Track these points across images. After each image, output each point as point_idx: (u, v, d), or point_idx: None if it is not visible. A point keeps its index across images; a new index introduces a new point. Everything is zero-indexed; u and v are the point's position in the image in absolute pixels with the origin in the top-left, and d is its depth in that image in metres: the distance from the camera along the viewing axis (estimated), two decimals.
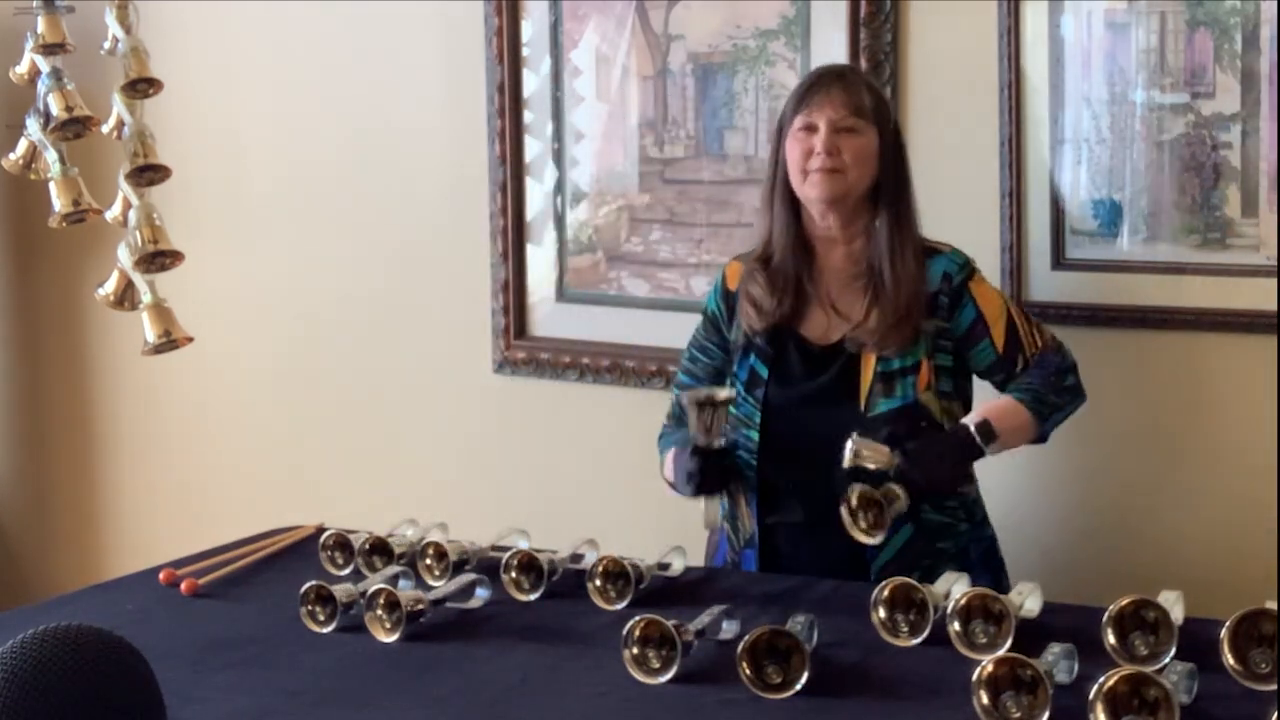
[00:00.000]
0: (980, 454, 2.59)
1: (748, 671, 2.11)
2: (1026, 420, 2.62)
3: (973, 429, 2.57)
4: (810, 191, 2.64)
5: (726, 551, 2.77)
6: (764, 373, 2.69)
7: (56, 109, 2.80)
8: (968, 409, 2.70)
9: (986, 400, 2.69)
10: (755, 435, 2.67)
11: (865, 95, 2.65)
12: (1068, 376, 2.68)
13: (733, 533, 2.74)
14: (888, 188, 2.65)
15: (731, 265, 2.80)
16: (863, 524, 2.50)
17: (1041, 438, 2.67)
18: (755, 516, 2.69)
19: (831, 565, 2.60)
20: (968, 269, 2.69)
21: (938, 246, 2.71)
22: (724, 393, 2.65)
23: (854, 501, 2.50)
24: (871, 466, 2.52)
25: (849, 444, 2.51)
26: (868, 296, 2.64)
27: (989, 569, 2.68)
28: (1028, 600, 2.33)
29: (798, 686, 2.09)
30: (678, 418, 2.82)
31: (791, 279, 2.68)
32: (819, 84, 2.65)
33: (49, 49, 2.82)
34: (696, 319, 2.84)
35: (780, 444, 2.66)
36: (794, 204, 2.69)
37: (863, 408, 2.62)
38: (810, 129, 2.62)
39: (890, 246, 2.64)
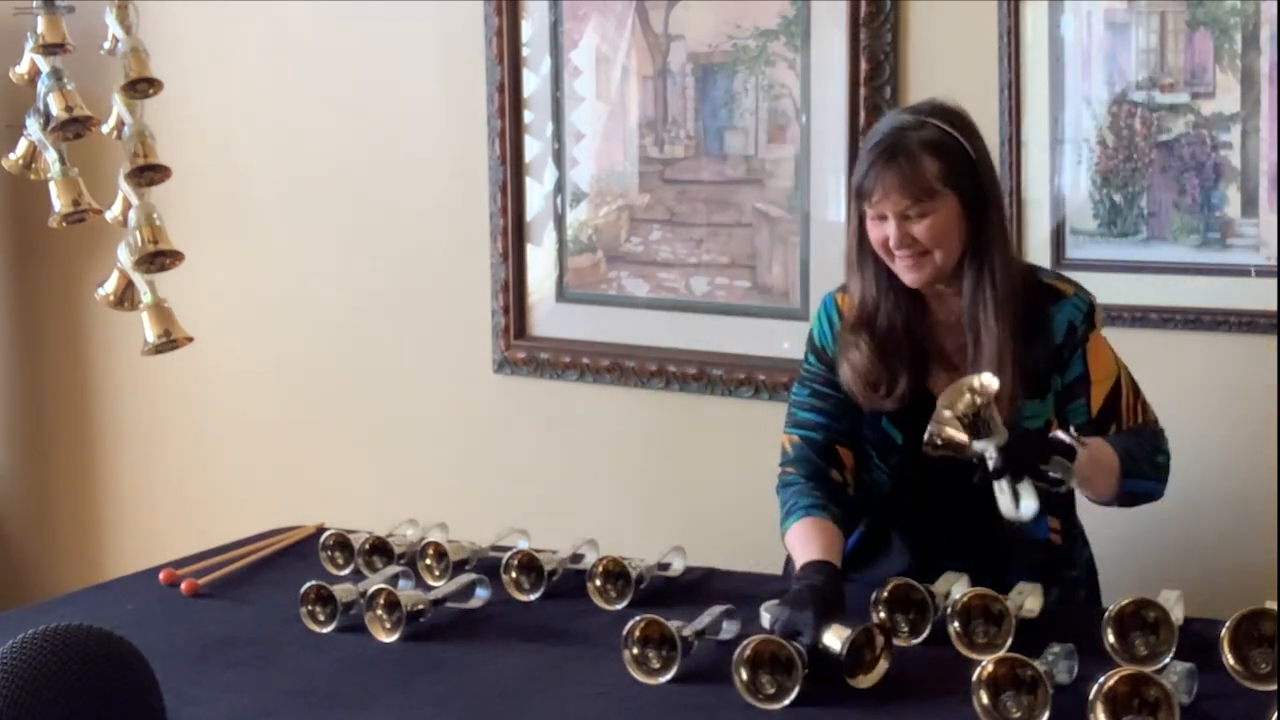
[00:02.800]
0: (1071, 451, 2.26)
1: (744, 678, 2.10)
2: (1114, 463, 2.37)
3: (1066, 434, 2.29)
4: (903, 276, 2.42)
5: None
6: (898, 438, 2.48)
7: (56, 109, 2.81)
8: None
9: None
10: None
11: (927, 165, 2.36)
12: (1160, 456, 2.47)
13: None
14: (973, 246, 2.41)
15: (838, 297, 2.55)
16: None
17: (1117, 498, 2.43)
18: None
19: None
20: (1091, 317, 2.46)
21: (1059, 287, 2.48)
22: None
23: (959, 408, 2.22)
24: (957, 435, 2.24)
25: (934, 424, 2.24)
26: (972, 353, 2.42)
27: (1089, 586, 2.56)
28: (1028, 600, 2.33)
29: (786, 701, 2.07)
30: (798, 460, 2.52)
31: (903, 338, 2.45)
32: (873, 169, 2.37)
33: (49, 49, 2.82)
34: (697, 319, 2.83)
35: (909, 517, 2.50)
36: (888, 269, 2.45)
37: None
38: (882, 217, 2.39)
39: (972, 313, 2.41)
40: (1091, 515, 3.00)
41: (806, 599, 2.20)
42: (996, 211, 2.44)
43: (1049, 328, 2.45)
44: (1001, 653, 2.04)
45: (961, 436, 2.23)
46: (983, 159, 2.44)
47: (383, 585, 2.44)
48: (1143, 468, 2.43)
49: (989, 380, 2.24)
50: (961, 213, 2.39)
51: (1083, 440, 2.29)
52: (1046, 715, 1.93)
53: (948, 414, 2.23)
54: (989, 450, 2.22)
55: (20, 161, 2.98)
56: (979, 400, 2.23)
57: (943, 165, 2.38)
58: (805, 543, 2.39)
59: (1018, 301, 2.42)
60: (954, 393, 2.24)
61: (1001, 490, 2.22)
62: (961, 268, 2.42)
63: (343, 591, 2.45)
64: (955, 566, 2.41)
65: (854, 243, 2.47)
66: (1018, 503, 2.22)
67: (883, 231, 2.40)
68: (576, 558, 2.66)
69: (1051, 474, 2.25)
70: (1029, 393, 2.42)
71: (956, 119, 2.45)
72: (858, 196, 2.42)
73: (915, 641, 2.27)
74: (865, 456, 2.52)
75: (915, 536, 2.52)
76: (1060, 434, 2.29)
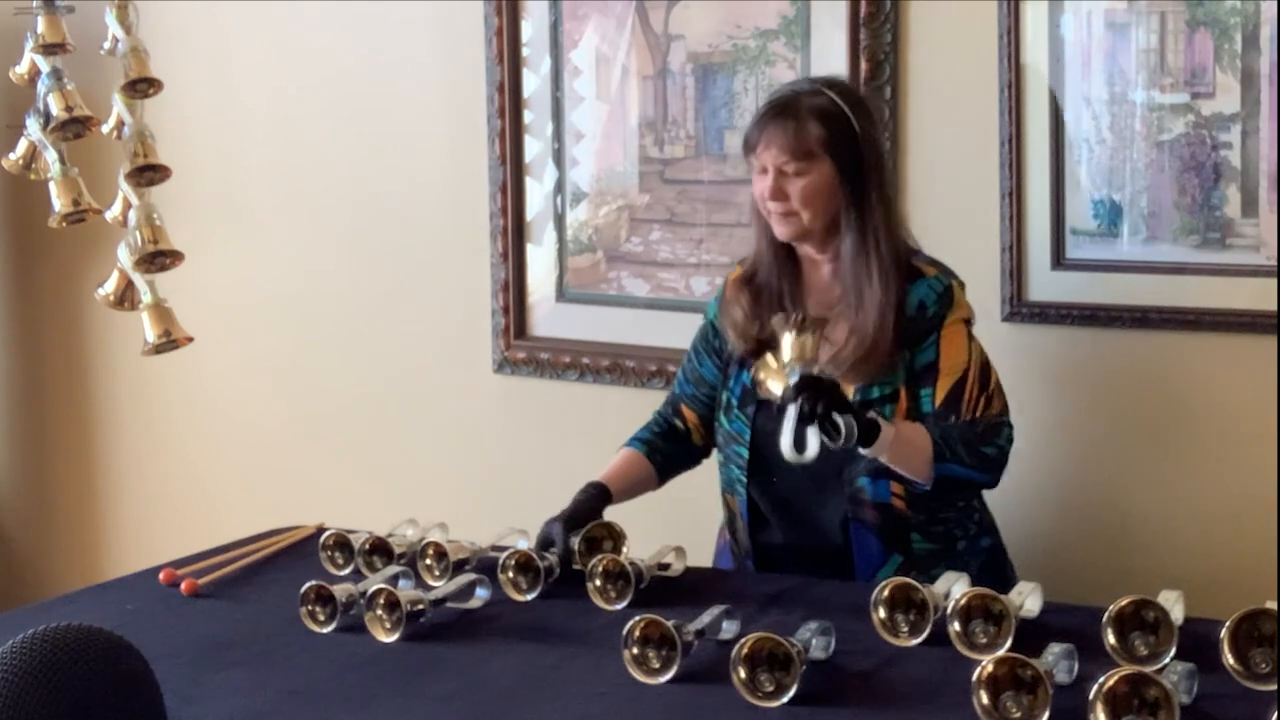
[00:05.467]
0: (871, 430, 2.41)
1: (742, 676, 2.10)
2: (925, 447, 2.49)
3: (874, 413, 2.46)
4: (774, 228, 2.62)
5: (729, 558, 2.78)
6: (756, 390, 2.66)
7: (56, 109, 2.81)
8: None
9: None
10: (745, 453, 2.67)
11: (812, 128, 2.54)
12: (989, 448, 2.55)
13: (734, 543, 2.76)
14: (849, 215, 2.57)
15: (733, 271, 2.77)
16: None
17: (927, 480, 2.52)
18: (748, 533, 2.70)
19: None
20: (947, 300, 2.59)
21: (924, 269, 2.62)
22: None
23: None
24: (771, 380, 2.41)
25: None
26: (846, 321, 2.58)
27: (994, 579, 2.57)
28: (1028, 600, 2.33)
29: (785, 699, 2.07)
30: (663, 411, 2.83)
31: (775, 298, 2.65)
32: (760, 123, 2.58)
33: (49, 49, 2.82)
34: (697, 319, 2.84)
35: (764, 467, 2.64)
36: None
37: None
38: (764, 170, 2.58)
39: (855, 272, 2.57)
40: (1093, 513, 3.01)
41: (560, 516, 2.62)
42: (877, 185, 2.59)
43: (904, 302, 2.58)
44: (1001, 653, 2.04)
45: (764, 375, 2.43)
46: (867, 134, 2.60)
47: (383, 585, 2.44)
48: (960, 455, 2.52)
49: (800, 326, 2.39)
50: (838, 180, 2.56)
51: (890, 421, 2.47)
52: (1046, 715, 1.93)
53: (769, 358, 2.42)
54: (786, 382, 2.36)
55: (20, 161, 2.98)
56: (796, 344, 2.38)
57: (825, 132, 2.55)
58: (607, 467, 2.77)
59: (901, 271, 2.58)
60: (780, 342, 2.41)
61: (786, 430, 2.34)
62: (837, 234, 2.59)
63: (343, 591, 2.45)
64: (797, 512, 2.63)
65: (752, 199, 2.66)
66: (802, 448, 2.35)
67: (762, 184, 2.59)
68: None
69: (831, 427, 2.37)
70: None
71: (849, 94, 2.64)
72: (749, 150, 2.61)
73: (915, 641, 2.27)
74: (725, 408, 2.71)
75: (770, 487, 2.65)
76: (874, 415, 2.45)
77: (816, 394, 2.34)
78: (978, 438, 2.55)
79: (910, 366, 2.59)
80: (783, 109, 2.57)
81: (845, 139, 2.56)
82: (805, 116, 2.55)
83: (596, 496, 2.69)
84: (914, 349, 2.59)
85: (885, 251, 2.57)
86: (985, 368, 2.61)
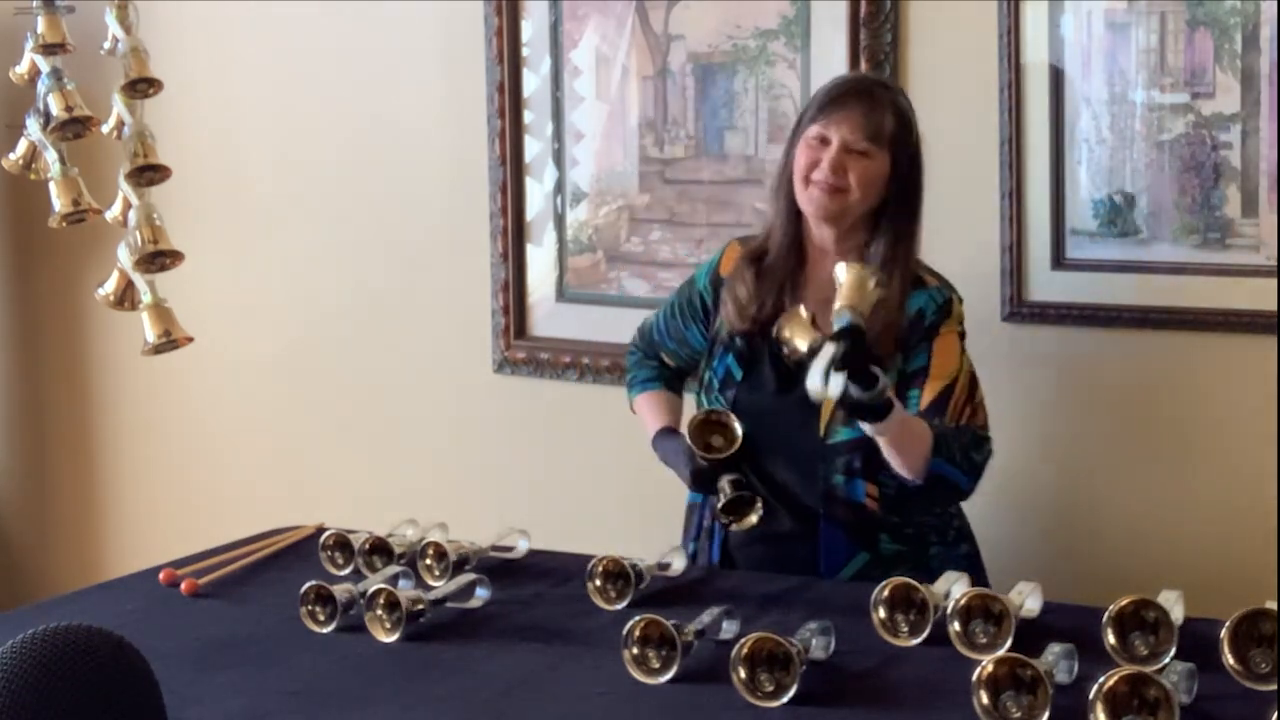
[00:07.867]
0: (880, 406, 2.37)
1: (742, 676, 2.10)
2: (926, 435, 2.48)
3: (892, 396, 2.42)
4: (808, 205, 2.60)
5: (700, 527, 2.77)
6: (738, 374, 2.67)
7: (56, 109, 2.80)
8: None
9: None
10: None
11: (887, 118, 2.57)
12: (976, 455, 2.55)
13: (705, 517, 2.78)
14: (890, 213, 2.60)
15: (731, 245, 2.77)
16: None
17: (923, 476, 2.50)
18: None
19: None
20: (946, 312, 2.59)
21: (926, 278, 2.63)
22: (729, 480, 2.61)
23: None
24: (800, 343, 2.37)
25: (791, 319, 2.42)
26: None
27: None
28: (1028, 600, 2.33)
29: (785, 699, 2.07)
30: (645, 351, 2.90)
31: (778, 282, 2.64)
32: (843, 97, 2.59)
33: (49, 49, 2.82)
34: None
35: (743, 448, 2.64)
36: (796, 205, 2.64)
37: (822, 433, 2.59)
38: (824, 141, 2.57)
39: (883, 270, 2.52)
40: (1093, 512, 3.01)
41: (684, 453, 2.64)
42: (918, 199, 2.64)
43: (904, 309, 2.58)
44: (1001, 653, 2.04)
45: (789, 331, 2.39)
46: (919, 150, 2.64)
47: (383, 585, 2.44)
48: (954, 455, 2.52)
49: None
50: (888, 178, 2.59)
51: (894, 403, 2.43)
52: (1046, 715, 1.93)
53: (800, 310, 2.42)
54: (819, 333, 2.35)
55: (20, 161, 2.98)
56: (856, 287, 2.36)
57: (897, 130, 2.59)
58: (653, 411, 2.82)
59: (910, 280, 2.59)
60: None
61: (817, 367, 2.29)
62: (861, 229, 2.61)
63: (343, 591, 2.45)
64: (773, 499, 2.63)
65: (779, 173, 2.68)
66: (826, 381, 2.29)
67: (817, 154, 2.58)
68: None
69: (864, 388, 2.32)
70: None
71: (913, 113, 2.65)
72: (813, 119, 2.59)
73: (915, 641, 2.27)
74: (706, 388, 2.72)
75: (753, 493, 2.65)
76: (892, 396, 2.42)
77: (859, 342, 2.31)
78: (972, 444, 2.55)
79: (901, 370, 2.58)
80: (867, 91, 2.62)
81: (908, 145, 2.61)
82: (886, 107, 2.59)
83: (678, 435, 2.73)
84: (907, 353, 2.58)
85: (907, 260, 2.60)
86: (974, 380, 2.62)
